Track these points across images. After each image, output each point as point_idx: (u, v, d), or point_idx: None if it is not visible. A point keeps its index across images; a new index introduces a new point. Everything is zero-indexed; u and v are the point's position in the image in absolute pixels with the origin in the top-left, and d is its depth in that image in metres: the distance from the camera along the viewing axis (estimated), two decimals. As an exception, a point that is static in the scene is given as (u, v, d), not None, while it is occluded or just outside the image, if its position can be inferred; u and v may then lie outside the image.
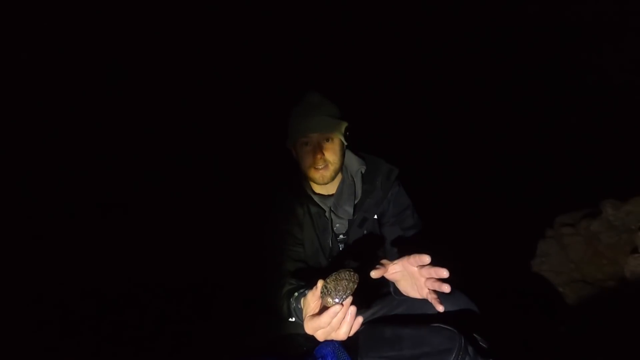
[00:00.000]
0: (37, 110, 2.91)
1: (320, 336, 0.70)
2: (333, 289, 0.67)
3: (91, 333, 1.91)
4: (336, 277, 0.68)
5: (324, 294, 0.68)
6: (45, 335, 1.86)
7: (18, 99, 2.82)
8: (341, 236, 1.17)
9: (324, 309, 0.69)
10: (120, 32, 3.36)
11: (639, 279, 1.58)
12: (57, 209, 2.71)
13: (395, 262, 0.82)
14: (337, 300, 0.66)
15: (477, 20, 4.37)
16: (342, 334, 0.68)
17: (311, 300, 0.72)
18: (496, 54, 4.42)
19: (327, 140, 1.10)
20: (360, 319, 0.69)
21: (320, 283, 0.69)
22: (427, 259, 0.75)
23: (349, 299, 0.67)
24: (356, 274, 0.69)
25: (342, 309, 0.66)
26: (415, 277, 0.81)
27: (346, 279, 0.68)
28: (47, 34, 3.01)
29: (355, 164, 1.21)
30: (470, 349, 0.74)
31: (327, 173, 1.11)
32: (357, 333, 0.73)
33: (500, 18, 4.27)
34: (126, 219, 2.84)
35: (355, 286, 0.68)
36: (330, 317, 0.66)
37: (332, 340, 0.83)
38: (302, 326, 0.94)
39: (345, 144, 1.16)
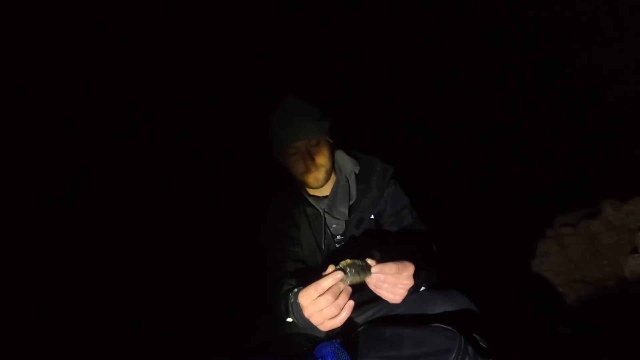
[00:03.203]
0: (36, 110, 2.91)
1: (309, 307, 0.73)
2: (347, 267, 0.74)
3: (90, 333, 1.91)
4: (352, 262, 0.75)
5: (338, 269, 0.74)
6: (43, 334, 1.86)
7: (17, 100, 2.82)
8: (338, 237, 1.17)
9: None
10: (117, 34, 3.36)
11: (639, 279, 1.58)
12: (58, 210, 2.71)
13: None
14: (347, 276, 0.72)
15: (477, 20, 4.37)
16: (333, 312, 0.72)
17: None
18: (498, 53, 4.42)
19: (314, 144, 1.09)
20: (351, 303, 0.74)
21: (331, 267, 0.74)
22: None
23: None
24: (370, 266, 0.75)
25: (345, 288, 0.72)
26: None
27: (360, 266, 0.74)
28: (46, 34, 3.01)
29: (348, 164, 1.20)
30: (470, 349, 0.74)
31: (321, 175, 1.11)
32: (357, 333, 0.74)
33: (501, 17, 4.27)
34: (126, 221, 2.84)
35: (366, 276, 0.75)
36: (329, 283, 0.71)
37: (332, 341, 0.83)
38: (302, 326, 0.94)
39: (331, 142, 1.16)
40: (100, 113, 3.27)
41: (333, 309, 0.71)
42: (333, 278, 0.72)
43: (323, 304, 0.71)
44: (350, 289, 0.74)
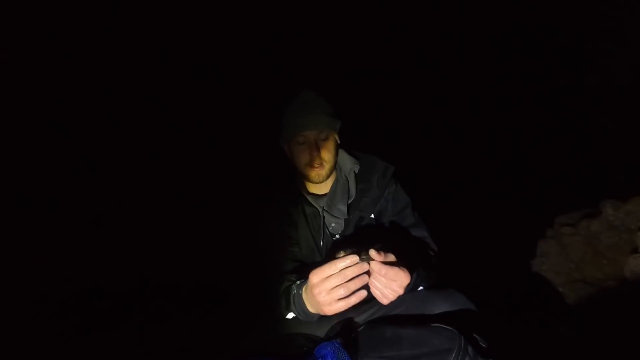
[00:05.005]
0: (43, 110, 2.91)
1: (319, 285, 0.75)
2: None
3: (90, 331, 1.91)
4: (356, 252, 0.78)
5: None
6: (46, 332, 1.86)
7: (18, 101, 2.82)
8: (337, 236, 1.16)
9: None
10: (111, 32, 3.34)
11: (639, 279, 1.58)
12: (59, 208, 2.71)
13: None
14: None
15: (477, 19, 4.37)
16: (346, 290, 0.74)
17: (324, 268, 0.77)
18: (497, 52, 4.42)
19: (323, 138, 1.11)
20: (364, 292, 0.77)
21: (343, 252, 0.78)
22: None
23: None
24: (371, 259, 0.77)
25: (356, 266, 0.75)
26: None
27: (364, 257, 0.77)
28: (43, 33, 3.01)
29: (348, 163, 1.20)
30: (470, 349, 0.74)
31: (323, 171, 1.12)
32: (357, 333, 0.74)
33: (501, 17, 4.27)
34: (126, 219, 2.84)
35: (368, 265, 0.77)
36: (345, 264, 0.74)
37: (332, 341, 0.83)
38: (302, 325, 0.94)
39: (339, 142, 1.17)
40: (104, 113, 3.27)
41: (343, 290, 0.74)
42: (350, 260, 0.74)
43: (333, 282, 0.74)
44: (366, 278, 0.76)
